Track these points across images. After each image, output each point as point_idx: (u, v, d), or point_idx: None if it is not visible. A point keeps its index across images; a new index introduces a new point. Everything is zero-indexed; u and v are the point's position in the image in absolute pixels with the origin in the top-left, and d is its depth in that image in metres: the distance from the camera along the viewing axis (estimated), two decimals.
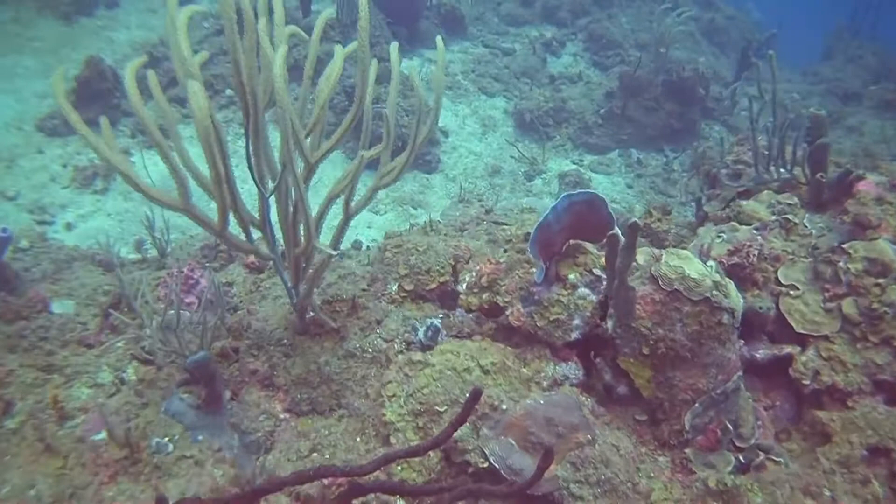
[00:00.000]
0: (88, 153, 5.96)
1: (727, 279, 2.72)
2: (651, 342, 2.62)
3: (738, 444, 2.80)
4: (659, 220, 4.92)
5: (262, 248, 2.76)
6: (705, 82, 8.33)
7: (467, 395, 2.43)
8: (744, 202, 3.86)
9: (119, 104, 6.38)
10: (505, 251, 3.54)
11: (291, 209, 2.72)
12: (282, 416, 2.84)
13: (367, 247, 5.49)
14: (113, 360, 3.30)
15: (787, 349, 3.07)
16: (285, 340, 3.02)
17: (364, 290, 3.45)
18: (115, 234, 5.36)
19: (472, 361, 2.58)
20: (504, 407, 2.46)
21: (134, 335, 3.44)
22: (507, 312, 2.86)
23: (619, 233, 2.56)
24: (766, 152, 4.30)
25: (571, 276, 2.82)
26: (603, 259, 2.88)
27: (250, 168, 2.63)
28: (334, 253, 2.54)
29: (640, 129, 8.22)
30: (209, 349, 2.83)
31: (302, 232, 2.74)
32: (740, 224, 3.73)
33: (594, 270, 2.85)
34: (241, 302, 3.63)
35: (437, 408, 2.46)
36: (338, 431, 2.64)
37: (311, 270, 2.91)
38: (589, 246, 2.95)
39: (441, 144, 7.78)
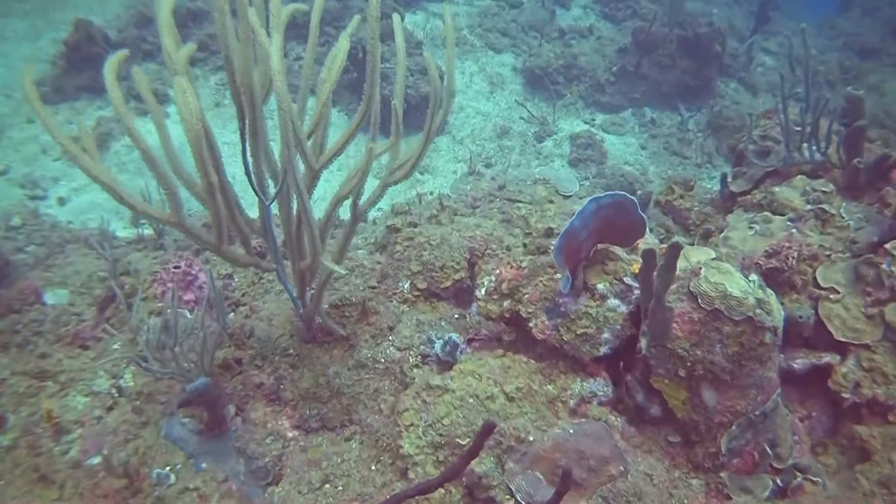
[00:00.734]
0: (80, 122, 5.68)
1: (769, 291, 2.52)
2: (688, 364, 2.43)
3: (775, 464, 2.63)
4: (681, 196, 4.71)
5: (264, 262, 2.55)
6: (721, 38, 7.97)
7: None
8: (776, 188, 3.62)
9: None
10: (524, 245, 3.33)
11: (294, 218, 2.50)
12: (290, 434, 2.66)
13: (374, 220, 5.26)
14: (109, 366, 3.12)
15: (826, 358, 2.89)
16: (291, 350, 2.83)
17: (374, 287, 3.25)
18: (110, 208, 5.13)
19: (495, 387, 2.39)
20: (531, 438, 2.28)
21: (131, 336, 3.26)
22: (531, 324, 2.66)
23: (656, 248, 2.35)
24: (797, 128, 4.05)
25: (600, 286, 2.62)
26: (634, 266, 2.67)
27: (248, 175, 2.40)
28: (343, 272, 2.32)
29: (653, 86, 7.89)
30: (210, 363, 2.64)
31: (307, 243, 2.52)
32: (773, 213, 3.51)
33: (625, 279, 2.64)
34: (243, 296, 3.43)
35: (458, 440, 2.28)
36: (351, 458, 2.47)
37: (317, 280, 2.71)
38: (618, 251, 2.74)
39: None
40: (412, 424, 2.34)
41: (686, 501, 2.45)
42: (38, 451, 2.73)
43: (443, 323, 3.07)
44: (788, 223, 3.39)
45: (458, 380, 2.43)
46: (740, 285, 2.40)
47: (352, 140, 2.41)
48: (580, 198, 5.09)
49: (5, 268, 4.09)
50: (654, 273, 2.34)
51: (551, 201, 4.84)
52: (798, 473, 2.63)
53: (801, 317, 2.84)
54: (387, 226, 4.08)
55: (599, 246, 2.73)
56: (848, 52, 9.52)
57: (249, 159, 2.44)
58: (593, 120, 7.78)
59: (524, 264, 2.79)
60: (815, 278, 3.02)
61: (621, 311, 2.61)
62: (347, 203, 2.61)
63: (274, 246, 2.54)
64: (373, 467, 2.42)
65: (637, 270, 2.62)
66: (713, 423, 2.52)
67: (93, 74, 5.83)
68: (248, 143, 2.43)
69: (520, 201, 4.62)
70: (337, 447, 2.54)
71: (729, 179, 4.39)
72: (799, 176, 3.66)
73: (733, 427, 2.52)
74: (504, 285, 2.77)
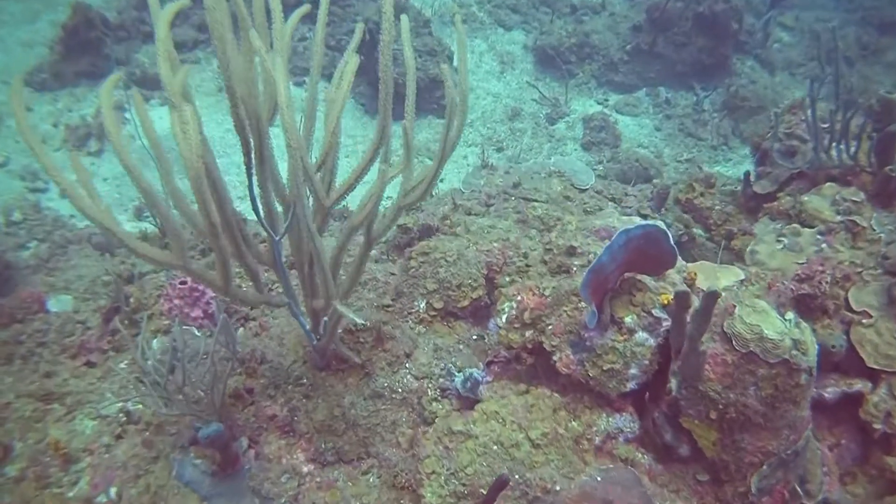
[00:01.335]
0: (80, 109, 5.53)
1: (805, 329, 2.40)
2: (720, 407, 2.33)
3: (805, 502, 2.55)
4: (702, 193, 4.58)
5: (275, 298, 2.45)
6: (738, 15, 7.73)
7: (516, 476, 2.18)
8: (805, 197, 3.49)
9: (110, 54, 5.87)
10: (545, 262, 3.22)
11: (307, 257, 2.39)
12: (305, 469, 2.58)
13: (384, 213, 5.14)
14: (117, 388, 3.04)
15: (858, 385, 2.79)
16: (305, 380, 2.74)
17: (388, 306, 3.15)
18: (113, 201, 5.01)
19: (519, 433, 2.30)
20: (557, 488, 2.20)
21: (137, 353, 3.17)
22: (555, 358, 2.56)
23: (689, 290, 2.24)
24: (824, 126, 3.90)
25: (628, 319, 2.51)
26: (663, 297, 2.56)
27: (255, 210, 2.28)
28: (360, 322, 2.22)
29: (668, 65, 7.69)
30: (222, 398, 2.55)
31: (320, 284, 2.41)
32: (802, 225, 3.39)
33: (653, 311, 2.53)
34: (251, 309, 3.33)
35: (482, 490, 2.19)
36: (370, 502, 2.39)
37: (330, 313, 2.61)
38: (647, 280, 2.62)
39: (457, 87, 7.28)
40: (434, 472, 2.26)
41: None
42: (47, 483, 2.66)
43: (461, 347, 2.97)
44: (818, 236, 3.27)
45: (481, 424, 2.34)
46: (776, 326, 2.29)
47: (365, 174, 2.28)
48: (596, 192, 4.97)
49: (6, 271, 4.00)
50: (688, 316, 2.23)
51: (568, 197, 4.73)
52: None
53: (833, 346, 2.74)
54: (398, 225, 3.97)
55: (627, 274, 2.61)
56: (867, 27, 9.25)
57: (257, 192, 2.32)
58: (606, 100, 7.60)
59: (547, 292, 2.68)
60: (846, 300, 2.91)
61: (649, 344, 2.50)
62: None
63: (285, 281, 2.43)
64: None
65: (666, 301, 2.51)
66: (743, 463, 2.43)
67: (92, 59, 5.66)
68: (253, 177, 2.31)
69: (536, 200, 4.50)
70: (355, 487, 2.46)
71: (752, 178, 4.26)
72: (828, 184, 3.53)
73: (764, 467, 2.43)
74: (526, 314, 2.66)
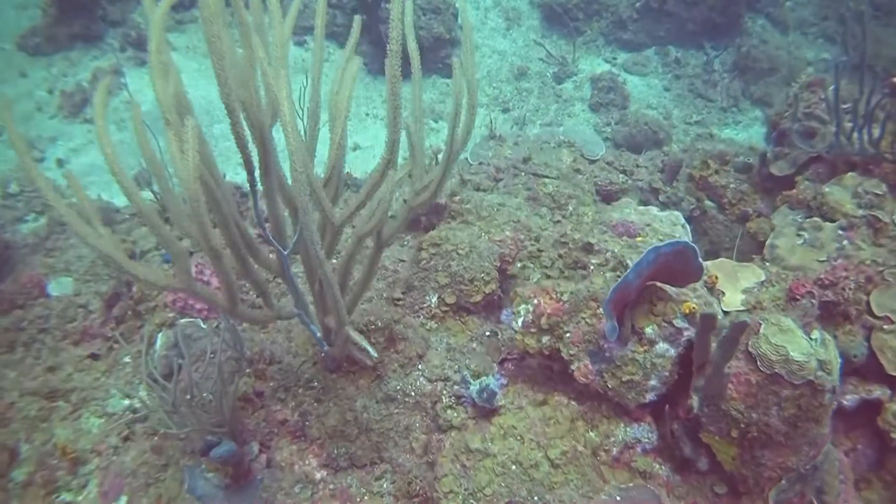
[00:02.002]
0: (75, 74, 5.34)
1: (830, 346, 2.35)
2: (742, 425, 2.28)
3: None
4: (716, 171, 4.49)
5: (285, 310, 2.37)
6: None
7: (535, 497, 2.15)
8: (826, 188, 3.40)
9: (105, 15, 5.65)
10: (560, 256, 3.14)
11: (317, 276, 2.30)
12: (318, 476, 2.54)
13: (394, 216, 5.04)
14: (122, 383, 2.99)
15: (877, 392, 2.75)
16: (315, 383, 2.69)
17: (398, 300, 3.08)
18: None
19: (538, 451, 2.26)
20: None
21: (142, 346, 3.11)
22: (573, 367, 2.50)
23: (715, 312, 2.17)
24: (846, 106, 3.79)
25: (648, 330, 2.44)
26: (685, 305, 2.49)
27: (261, 226, 2.19)
28: (374, 355, 2.15)
29: (678, 24, 7.46)
30: (232, 405, 2.50)
31: (331, 308, 2.33)
32: (823, 218, 3.31)
33: (674, 321, 2.46)
34: (257, 297, 3.26)
35: None
36: None
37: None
38: (668, 290, 2.55)
39: (462, 44, 7.07)
40: (451, 491, 2.22)
41: None
42: (55, 487, 2.63)
43: (474, 345, 2.92)
44: (840, 232, 3.19)
45: (499, 442, 2.29)
46: (803, 347, 2.23)
47: (376, 190, 2.17)
48: (607, 163, 4.86)
49: (6, 252, 3.92)
50: (715, 341, 2.17)
51: (578, 170, 4.63)
52: None
53: (855, 356, 2.69)
54: (404, 200, 3.88)
55: (647, 283, 2.54)
56: None
57: (262, 209, 2.23)
58: (615, 59, 7.40)
59: (565, 297, 2.60)
60: (868, 303, 2.85)
61: (670, 355, 2.44)
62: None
63: (296, 292, 2.35)
64: None
65: (688, 310, 2.45)
66: (762, 478, 2.40)
67: (86, 22, 5.44)
68: (258, 196, 2.21)
69: (546, 176, 4.40)
70: (371, 500, 2.43)
71: (769, 157, 4.15)
72: (850, 174, 3.43)
73: (783, 482, 2.41)
74: (543, 320, 2.59)
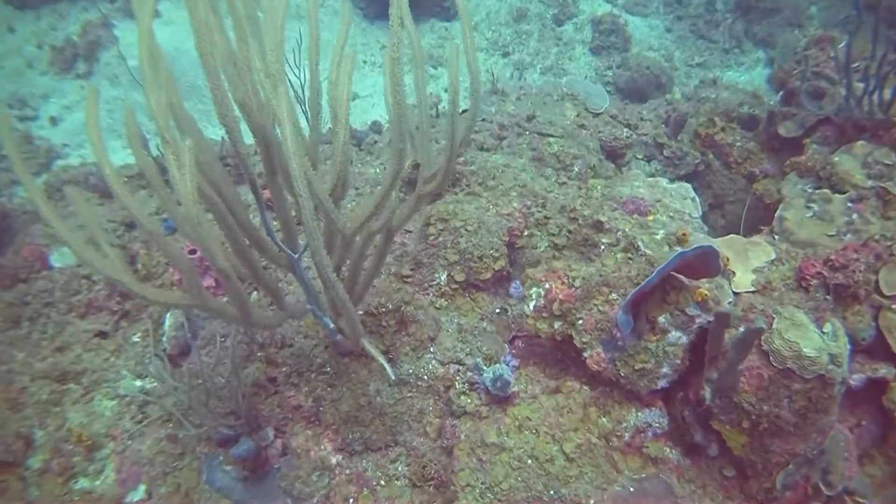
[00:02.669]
0: (64, 28, 5.16)
1: (841, 336, 2.36)
2: (753, 417, 2.32)
3: (826, 491, 2.60)
4: (722, 129, 4.44)
5: (298, 308, 2.36)
6: None
7: (551, 492, 2.19)
8: (836, 158, 3.36)
9: None
10: (569, 232, 3.12)
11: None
12: (333, 460, 2.58)
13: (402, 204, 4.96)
14: (133, 364, 2.99)
15: (882, 371, 2.78)
16: (328, 367, 2.70)
17: (407, 277, 3.07)
18: (106, 126, 4.77)
19: (553, 445, 2.29)
20: (591, 502, 2.21)
21: (150, 325, 3.11)
22: (586, 354, 2.51)
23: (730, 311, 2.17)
24: (855, 65, 3.72)
25: (661, 319, 2.45)
26: (698, 293, 2.48)
27: (270, 235, 2.16)
28: (392, 377, 2.15)
29: None
30: (247, 401, 2.51)
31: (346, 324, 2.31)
32: (832, 189, 3.28)
33: (687, 310, 2.46)
34: (265, 267, 3.24)
35: None
36: None
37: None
38: (681, 278, 2.54)
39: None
40: (468, 485, 2.26)
41: None
42: (72, 474, 2.66)
43: (485, 325, 2.92)
44: (849, 204, 3.17)
45: (515, 435, 2.32)
46: (815, 343, 2.24)
47: (387, 200, 2.11)
48: (611, 116, 4.78)
49: (5, 221, 3.87)
50: (730, 341, 2.18)
51: (583, 126, 4.56)
52: (847, 498, 2.61)
53: (863, 339, 2.70)
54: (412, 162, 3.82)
55: None
56: None
57: (271, 223, 2.18)
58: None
59: (576, 283, 2.59)
60: (877, 283, 2.85)
61: (682, 343, 2.45)
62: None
63: (308, 289, 2.33)
64: None
65: (700, 297, 2.44)
66: (771, 463, 2.45)
67: None
68: (264, 209, 2.17)
69: (551, 135, 4.33)
70: (388, 488, 2.47)
71: (777, 118, 4.09)
72: (860, 142, 3.39)
73: (790, 466, 2.46)
74: (556, 306, 2.59)
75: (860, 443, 2.87)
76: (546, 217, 3.31)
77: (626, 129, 4.71)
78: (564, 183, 3.96)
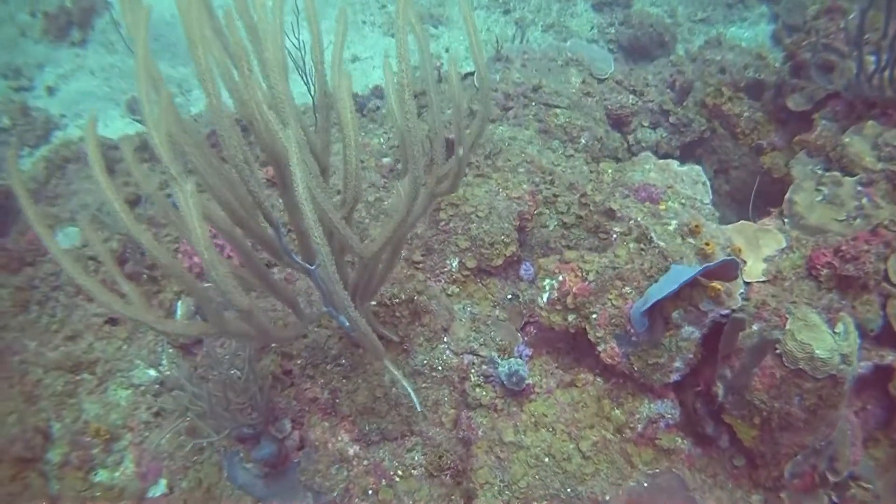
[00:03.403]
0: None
1: (852, 334, 2.38)
2: (764, 413, 2.36)
3: (831, 477, 2.67)
4: (730, 98, 4.39)
5: (314, 315, 2.37)
6: None
7: (568, 490, 2.24)
8: (846, 138, 3.34)
9: None
10: (580, 217, 3.11)
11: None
12: (351, 451, 2.62)
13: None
14: (146, 352, 3.00)
15: (889, 358, 2.82)
16: (343, 359, 2.72)
17: (419, 263, 3.07)
18: (103, 95, 4.69)
19: (570, 443, 2.33)
20: (607, 498, 2.27)
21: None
22: (600, 349, 2.54)
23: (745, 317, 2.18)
24: (866, 36, 3.66)
25: (675, 314, 2.47)
26: (710, 288, 2.50)
27: (289, 255, 2.14)
28: (410, 391, 2.16)
29: None
30: (266, 397, 2.53)
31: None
32: (842, 172, 3.27)
33: (700, 305, 2.48)
34: (273, 265, 3.24)
35: (535, 503, 2.26)
36: (422, 500, 2.45)
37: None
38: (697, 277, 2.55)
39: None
40: (487, 482, 2.30)
41: None
42: (91, 466, 2.70)
43: (497, 313, 2.94)
44: (859, 188, 3.16)
45: (532, 434, 2.36)
46: (827, 344, 2.26)
47: (403, 227, 2.09)
48: (616, 82, 4.72)
49: (7, 202, 3.83)
50: (744, 348, 2.20)
51: (588, 93, 4.51)
52: (852, 483, 2.68)
53: (872, 330, 2.73)
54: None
55: None
56: None
57: (287, 245, 2.17)
58: None
59: (590, 277, 2.60)
60: (886, 272, 2.87)
61: (695, 337, 2.48)
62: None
63: (325, 294, 2.33)
64: None
65: (713, 292, 2.46)
66: (780, 454, 2.51)
67: None
68: (280, 232, 2.14)
69: (557, 106, 4.28)
70: (406, 482, 2.51)
71: (785, 91, 4.05)
72: (870, 123, 3.36)
73: (798, 456, 2.51)
74: (569, 299, 2.60)
75: (865, 426, 2.93)
76: (555, 195, 3.31)
77: (631, 96, 4.65)
78: (571, 155, 3.93)
